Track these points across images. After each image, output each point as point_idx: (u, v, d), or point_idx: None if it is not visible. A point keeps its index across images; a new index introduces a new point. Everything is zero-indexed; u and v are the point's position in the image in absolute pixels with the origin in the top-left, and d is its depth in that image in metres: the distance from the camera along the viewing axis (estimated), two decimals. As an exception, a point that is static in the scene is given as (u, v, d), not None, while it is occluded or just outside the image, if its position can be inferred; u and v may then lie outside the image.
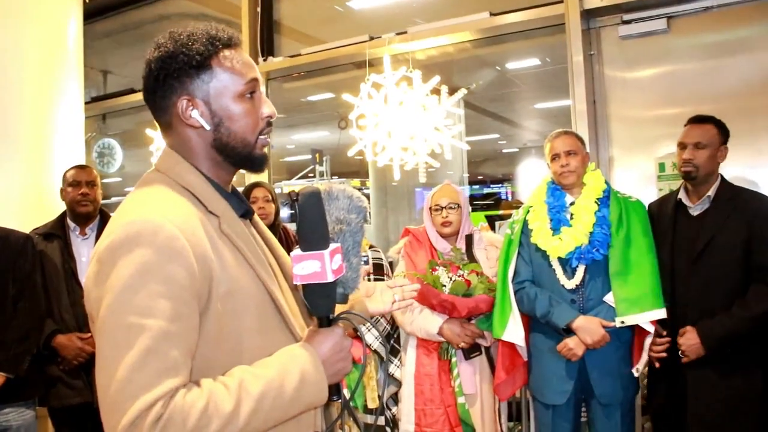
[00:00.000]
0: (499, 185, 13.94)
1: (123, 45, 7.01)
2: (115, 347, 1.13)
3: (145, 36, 6.95)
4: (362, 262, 1.45)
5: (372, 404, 3.20)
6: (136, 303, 1.13)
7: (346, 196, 1.41)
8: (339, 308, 1.42)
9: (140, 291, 1.14)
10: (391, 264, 3.45)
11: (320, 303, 1.32)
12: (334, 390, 1.34)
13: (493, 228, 5.37)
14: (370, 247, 3.43)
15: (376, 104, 4.25)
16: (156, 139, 5.49)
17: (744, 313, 2.65)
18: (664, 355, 2.75)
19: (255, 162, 1.40)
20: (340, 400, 1.36)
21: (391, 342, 3.30)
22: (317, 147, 8.65)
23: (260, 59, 5.61)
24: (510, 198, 12.43)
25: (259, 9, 5.71)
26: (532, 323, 2.94)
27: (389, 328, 3.26)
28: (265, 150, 1.42)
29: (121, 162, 6.89)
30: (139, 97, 5.78)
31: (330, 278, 1.27)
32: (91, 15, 6.05)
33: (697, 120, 2.89)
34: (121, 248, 1.17)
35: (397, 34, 4.84)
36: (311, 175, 8.60)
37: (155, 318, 1.13)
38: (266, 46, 5.70)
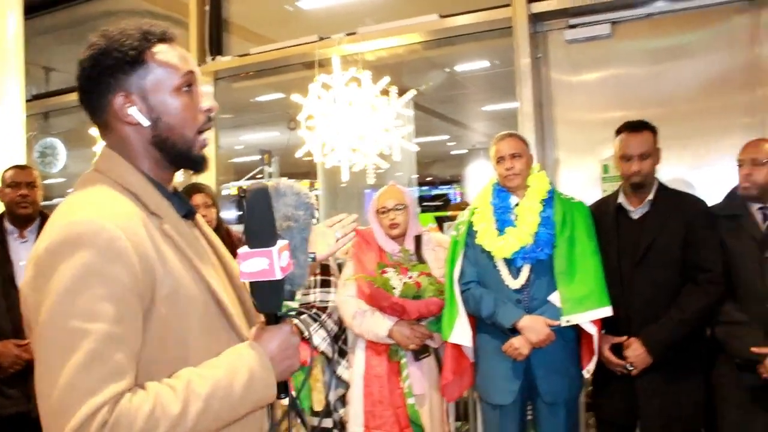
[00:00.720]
0: (448, 186, 14.05)
1: (67, 41, 6.83)
2: (57, 353, 1.09)
3: (91, 32, 6.78)
4: (309, 259, 1.44)
5: (318, 407, 3.18)
6: (78, 306, 1.10)
7: (294, 193, 1.40)
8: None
9: (82, 294, 1.11)
10: (339, 265, 3.44)
11: (268, 300, 1.31)
12: (282, 388, 1.33)
13: (441, 229, 5.40)
14: (318, 248, 3.41)
15: (326, 105, 4.24)
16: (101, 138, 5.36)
17: (681, 315, 2.74)
18: (621, 370, 2.81)
19: (194, 161, 1.38)
20: (286, 399, 1.36)
21: (339, 343, 3.28)
22: (266, 148, 8.57)
23: (208, 58, 5.55)
24: (459, 199, 12.53)
25: (207, 7, 5.64)
26: (478, 324, 2.96)
27: (337, 329, 3.25)
28: (205, 151, 1.39)
29: (64, 162, 6.71)
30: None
31: (278, 275, 1.26)
32: (32, 10, 5.89)
33: (634, 128, 2.92)
34: (60, 251, 1.14)
35: (347, 34, 4.83)
36: (259, 176, 8.53)
37: (98, 321, 1.10)
38: (214, 45, 5.64)
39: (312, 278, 3.26)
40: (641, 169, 2.85)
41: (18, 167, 3.50)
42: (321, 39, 4.90)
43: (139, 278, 1.17)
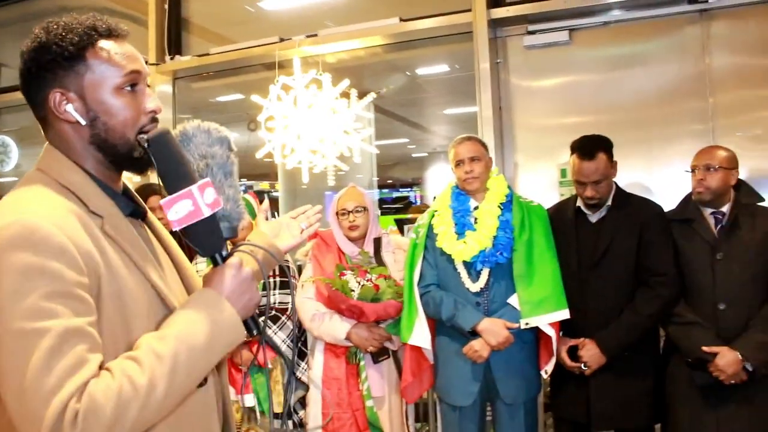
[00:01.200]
0: (409, 189, 14.07)
1: (19, 37, 6.67)
2: (15, 359, 1.07)
3: (44, 29, 6.65)
4: (240, 191, 1.41)
5: (278, 408, 3.17)
6: (26, 308, 1.07)
7: (203, 131, 1.37)
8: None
9: (28, 295, 1.08)
10: (299, 267, 3.43)
11: (206, 242, 1.29)
12: (252, 324, 1.33)
13: (402, 231, 5.42)
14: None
15: (286, 106, 4.22)
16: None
17: (633, 318, 2.81)
18: (577, 370, 2.86)
19: (136, 162, 1.32)
20: (258, 334, 1.36)
21: (299, 345, 3.27)
22: (226, 148, 8.50)
23: (167, 57, 5.47)
24: (419, 202, 12.57)
25: (166, 6, 5.57)
26: (437, 326, 2.98)
27: (297, 331, 3.24)
28: (140, 137, 1.31)
29: (16, 160, 6.56)
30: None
31: (206, 212, 1.23)
32: (-16, 5, 5.76)
33: (587, 153, 2.89)
34: None
35: (308, 36, 4.82)
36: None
37: (50, 318, 1.07)
38: (174, 44, 5.56)
39: (271, 280, 3.24)
40: (595, 194, 2.89)
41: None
42: (282, 40, 4.88)
43: (84, 273, 1.14)
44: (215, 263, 1.32)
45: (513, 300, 2.83)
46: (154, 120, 1.33)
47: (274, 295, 3.23)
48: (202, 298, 1.27)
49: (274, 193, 7.02)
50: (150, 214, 1.47)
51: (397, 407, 3.12)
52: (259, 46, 4.99)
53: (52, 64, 1.25)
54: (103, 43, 1.28)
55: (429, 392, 3.43)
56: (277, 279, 3.26)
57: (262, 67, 5.26)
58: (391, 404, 3.10)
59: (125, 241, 1.27)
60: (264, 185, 8.86)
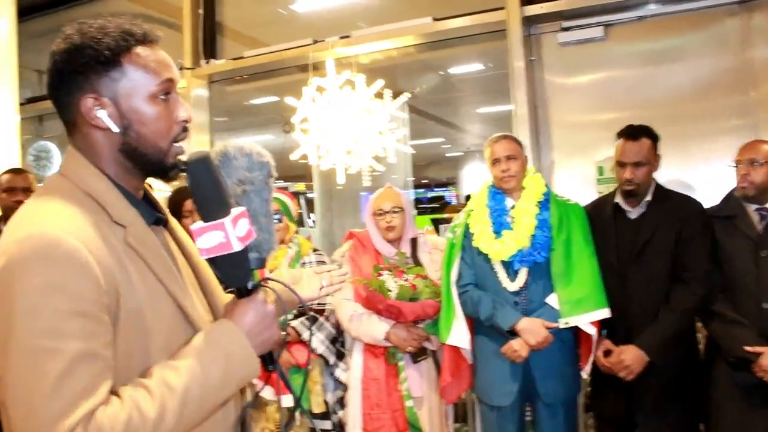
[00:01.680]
0: (444, 188, 14.06)
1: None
2: (26, 376, 1.04)
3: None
4: (275, 221, 1.37)
5: (317, 409, 3.18)
6: (42, 325, 1.04)
7: (245, 154, 1.31)
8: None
9: (45, 312, 1.05)
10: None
11: (233, 274, 1.25)
12: (268, 360, 1.30)
13: (438, 231, 5.41)
14: (314, 250, 3.41)
15: (320, 108, 4.24)
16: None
17: (669, 316, 2.76)
18: (624, 376, 2.79)
19: (167, 171, 1.29)
20: (273, 369, 1.32)
21: (337, 345, 3.28)
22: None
23: (202, 61, 5.54)
24: (455, 201, 12.54)
25: (201, 10, 5.63)
26: (476, 326, 2.96)
27: (335, 332, 3.25)
28: (180, 158, 1.30)
29: (58, 165, 6.70)
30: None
31: (237, 247, 1.18)
32: (25, 13, 5.87)
33: (631, 135, 2.90)
34: (17, 268, 1.07)
35: (341, 37, 4.84)
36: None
37: (65, 338, 1.05)
38: (208, 49, 5.63)
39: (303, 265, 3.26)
40: (634, 178, 2.85)
41: (14, 171, 3.50)
42: (315, 42, 4.90)
43: (103, 290, 1.11)
44: (239, 295, 1.27)
45: (551, 299, 2.80)
46: (185, 129, 1.31)
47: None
48: (221, 330, 1.23)
49: (310, 195, 7.06)
50: (172, 220, 1.45)
51: (437, 407, 3.11)
52: (292, 48, 5.02)
53: (85, 68, 1.21)
54: (139, 49, 1.24)
55: (468, 392, 3.41)
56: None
57: (295, 69, 5.30)
58: (431, 404, 3.09)
59: (148, 252, 1.24)
60: (300, 186, 8.91)
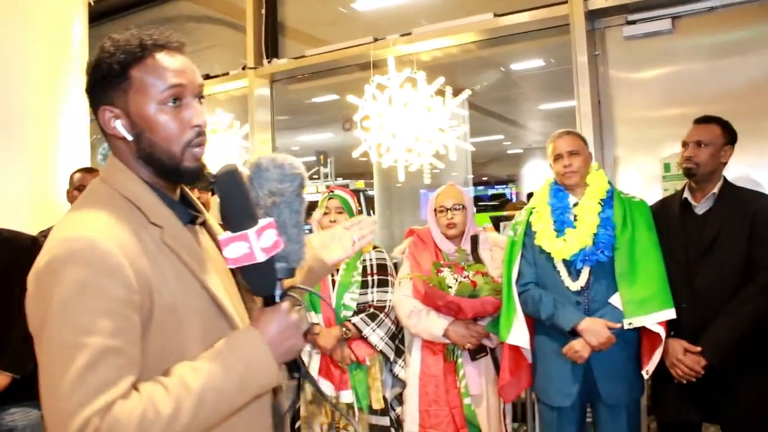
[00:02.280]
0: (504, 186, 13.95)
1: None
2: (54, 367, 1.13)
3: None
4: (305, 231, 1.37)
5: (377, 405, 3.19)
6: (73, 321, 1.13)
7: (276, 166, 1.32)
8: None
9: (78, 309, 1.14)
10: (395, 265, 3.45)
11: (259, 283, 1.29)
12: (293, 367, 1.33)
13: (498, 229, 5.37)
14: (374, 247, 3.42)
15: (381, 105, 4.25)
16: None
17: (735, 316, 2.67)
18: (692, 377, 2.72)
19: (185, 175, 1.34)
20: (299, 377, 1.36)
21: (396, 342, 3.29)
22: (321, 148, 8.64)
23: (265, 61, 5.62)
24: (515, 199, 12.44)
25: (263, 11, 5.71)
26: (536, 325, 2.93)
27: (394, 329, 3.26)
28: (200, 162, 1.35)
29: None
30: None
31: (260, 258, 1.23)
32: (96, 18, 6.06)
33: (702, 120, 2.90)
34: (57, 268, 1.16)
35: (402, 35, 4.83)
36: (315, 176, 8.61)
37: (93, 335, 1.12)
38: (271, 48, 5.71)
39: (369, 278, 3.28)
40: (693, 156, 2.82)
41: (85, 170, 3.61)
42: (375, 40, 4.91)
43: (135, 291, 1.18)
44: (266, 303, 1.31)
45: (615, 299, 2.74)
46: (200, 134, 1.33)
47: (372, 292, 3.26)
48: (244, 337, 1.27)
49: (370, 192, 7.10)
50: (210, 219, 1.50)
51: (495, 406, 3.09)
52: (353, 46, 5.04)
53: (102, 82, 1.29)
54: (149, 59, 1.29)
55: (527, 392, 3.38)
56: (376, 277, 3.29)
57: (356, 67, 5.32)
58: (489, 402, 3.07)
59: (184, 251, 1.30)
60: (359, 184, 8.98)
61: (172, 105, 1.30)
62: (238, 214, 1.24)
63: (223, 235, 1.25)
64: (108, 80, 1.29)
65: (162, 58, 1.30)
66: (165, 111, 1.29)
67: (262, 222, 1.24)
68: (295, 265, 1.33)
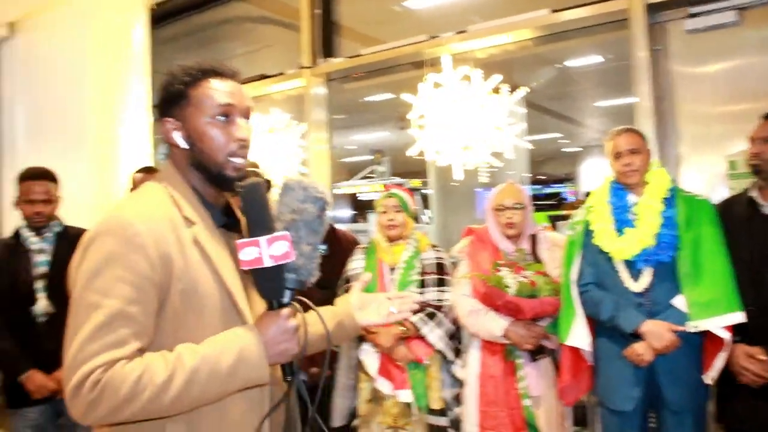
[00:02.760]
0: (561, 185, 13.77)
1: (187, 49, 7.16)
2: (76, 321, 1.33)
3: (209, 39, 7.08)
4: (319, 251, 1.50)
5: (435, 405, 3.18)
6: (97, 284, 1.34)
7: (302, 188, 1.48)
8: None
9: (103, 274, 1.34)
10: (454, 263, 3.43)
11: (266, 287, 1.43)
12: (288, 370, 1.46)
13: (555, 228, 5.30)
14: (433, 246, 3.42)
15: (437, 104, 4.24)
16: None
17: None
18: (760, 383, 2.63)
19: (225, 182, 1.54)
20: (291, 379, 1.47)
21: (455, 342, 3.27)
22: (377, 147, 8.67)
23: (320, 60, 5.65)
24: (573, 198, 12.27)
25: (318, 10, 5.75)
26: (597, 327, 2.87)
27: (453, 328, 3.24)
28: (240, 172, 1.54)
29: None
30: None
31: (267, 263, 1.38)
32: (157, 21, 6.20)
33: None
34: (95, 237, 1.39)
35: (457, 33, 4.80)
36: (371, 175, 8.63)
37: (111, 298, 1.32)
38: (326, 47, 5.74)
39: (428, 277, 3.27)
40: (760, 153, 2.74)
41: (146, 169, 3.69)
42: (430, 38, 4.90)
43: (157, 271, 1.37)
44: (270, 307, 1.45)
45: (678, 301, 2.67)
46: (243, 147, 1.54)
47: (431, 292, 3.25)
48: (243, 333, 1.41)
49: (426, 191, 7.08)
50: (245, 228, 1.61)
51: (555, 408, 3.05)
52: (408, 45, 5.03)
53: (169, 99, 1.54)
54: (205, 82, 1.52)
55: (588, 395, 3.31)
56: (434, 276, 3.28)
57: (411, 65, 5.31)
58: (549, 404, 3.04)
59: (209, 247, 1.48)
60: (415, 183, 8.96)
61: (221, 120, 1.52)
62: (256, 223, 1.41)
63: (240, 240, 1.41)
64: (173, 98, 1.52)
65: (216, 82, 1.53)
66: (214, 125, 1.51)
67: (278, 233, 1.40)
68: (304, 278, 1.47)
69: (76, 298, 1.36)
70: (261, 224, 1.41)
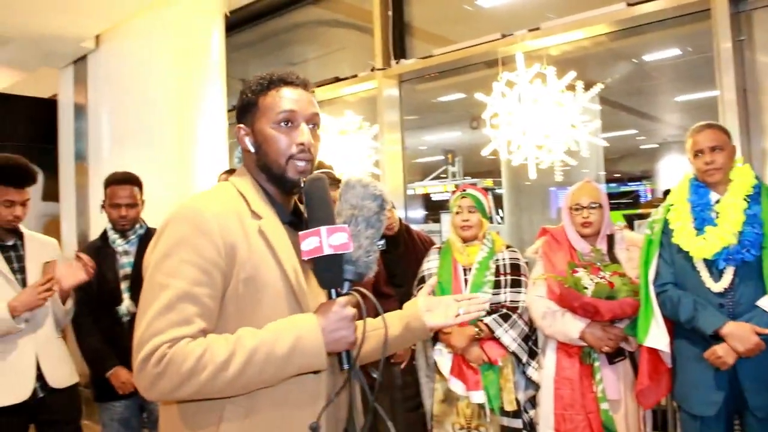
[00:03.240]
0: (638, 183, 13.40)
1: (261, 54, 7.32)
2: (146, 300, 1.43)
3: (282, 44, 7.22)
4: (377, 246, 1.56)
5: (509, 407, 3.15)
6: (167, 266, 1.43)
7: (362, 185, 1.57)
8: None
9: (172, 257, 1.44)
10: (527, 264, 3.40)
11: (325, 276, 1.49)
12: (345, 359, 1.48)
13: (631, 227, 5.18)
14: (507, 247, 3.39)
15: (510, 102, 4.21)
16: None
17: None
18: None
19: (287, 183, 1.62)
20: (349, 368, 1.49)
21: (530, 344, 3.24)
22: (449, 147, 8.66)
23: (393, 62, 5.69)
24: (650, 196, 11.95)
25: (390, 12, 5.79)
26: (676, 328, 2.79)
27: (527, 330, 3.21)
28: (300, 176, 1.60)
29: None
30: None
31: (326, 251, 1.44)
32: (232, 27, 6.36)
33: None
34: (168, 223, 1.49)
35: (530, 30, 4.76)
36: (443, 175, 8.62)
37: (179, 278, 1.41)
38: (398, 49, 5.77)
39: (503, 278, 3.25)
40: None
41: (231, 171, 3.79)
42: (503, 36, 4.86)
43: (222, 257, 1.46)
44: (329, 296, 1.51)
45: (764, 302, 2.57)
46: (303, 151, 1.60)
47: (505, 293, 3.23)
48: (302, 320, 1.47)
49: (498, 191, 7.03)
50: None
51: (634, 412, 2.99)
52: (480, 44, 5.01)
53: (242, 107, 1.66)
54: (273, 91, 1.61)
55: (668, 398, 3.23)
56: (509, 277, 3.25)
57: (483, 64, 5.29)
58: (628, 408, 2.97)
59: (274, 239, 1.55)
60: (487, 182, 8.90)
61: (284, 126, 1.60)
62: (318, 216, 1.49)
63: (302, 231, 1.49)
64: (245, 106, 1.64)
65: (284, 90, 1.62)
66: (278, 130, 1.60)
67: (337, 225, 1.48)
68: (362, 271, 1.53)
69: (148, 279, 1.46)
70: (321, 216, 1.48)
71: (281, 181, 1.62)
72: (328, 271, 1.48)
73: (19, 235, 3.10)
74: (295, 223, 1.67)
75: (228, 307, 1.48)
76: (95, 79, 5.22)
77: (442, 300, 1.80)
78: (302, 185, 1.55)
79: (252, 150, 1.63)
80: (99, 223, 4.19)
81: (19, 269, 3.05)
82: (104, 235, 3.48)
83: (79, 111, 5.39)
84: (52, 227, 5.79)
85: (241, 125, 1.65)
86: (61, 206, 5.72)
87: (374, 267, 1.55)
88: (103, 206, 3.47)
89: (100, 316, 3.33)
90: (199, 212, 1.48)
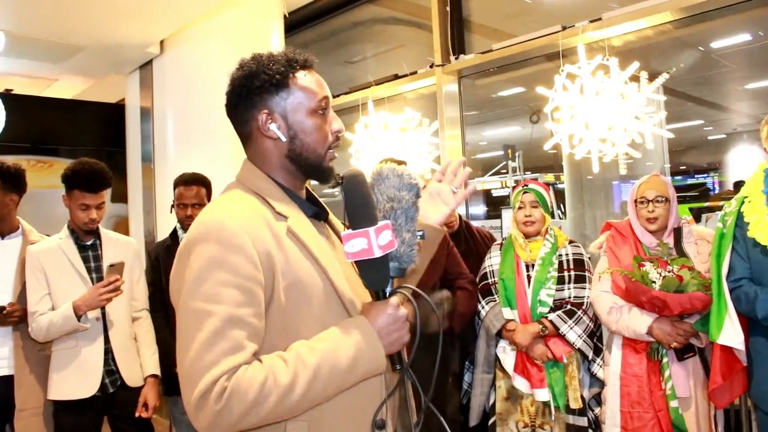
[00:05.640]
0: (704, 175, 13.05)
1: (320, 53, 7.38)
2: (187, 330, 1.31)
3: (341, 43, 7.27)
4: (417, 237, 1.49)
5: (574, 404, 3.10)
6: (204, 291, 1.31)
7: (396, 175, 1.49)
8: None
9: (207, 280, 1.32)
10: (590, 260, 3.34)
11: (373, 277, 1.42)
12: (396, 359, 1.44)
13: (698, 220, 5.04)
14: (570, 242, 3.34)
15: (572, 96, 4.14)
16: (354, 142, 5.72)
17: None
18: None
19: (324, 173, 1.55)
20: (401, 369, 1.45)
21: (595, 340, 3.18)
22: (509, 142, 8.58)
23: (452, 57, 5.66)
24: (718, 188, 11.62)
25: (448, 8, 5.77)
26: (751, 325, 2.69)
27: (592, 326, 3.15)
28: (332, 163, 1.55)
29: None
30: (337, 101, 6.04)
31: (377, 254, 1.37)
32: (291, 27, 6.43)
33: None
34: (192, 245, 1.37)
35: (591, 21, 4.66)
36: (504, 170, 8.56)
37: (221, 304, 1.30)
38: (457, 44, 5.74)
39: (566, 273, 3.20)
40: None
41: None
42: (564, 28, 4.78)
43: (259, 269, 1.35)
44: (377, 297, 1.44)
45: None
46: (338, 138, 1.56)
47: (569, 289, 3.18)
48: (356, 325, 1.40)
49: (559, 185, 6.94)
50: (331, 216, 1.68)
51: (705, 411, 2.90)
52: (541, 37, 4.94)
53: (260, 89, 1.49)
54: (301, 73, 1.52)
55: (742, 398, 3.13)
56: (572, 272, 3.21)
57: (543, 58, 5.22)
58: (699, 407, 2.89)
59: (306, 238, 1.47)
60: (548, 177, 8.80)
61: (320, 113, 1.52)
62: (361, 214, 1.40)
63: (345, 231, 1.41)
64: (266, 88, 1.49)
65: (309, 73, 1.54)
66: (316, 117, 1.52)
67: (382, 223, 1.40)
68: (405, 266, 1.46)
69: (183, 307, 1.34)
70: (366, 215, 1.39)
71: (318, 171, 1.54)
72: (376, 272, 1.41)
73: (98, 236, 3.20)
74: (317, 213, 1.60)
75: (273, 318, 1.38)
76: (161, 83, 5.36)
77: (429, 192, 1.72)
78: (338, 181, 1.45)
79: (284, 139, 1.50)
80: (165, 222, 4.30)
81: (95, 268, 3.15)
82: (174, 234, 3.58)
83: (145, 114, 5.54)
84: (121, 228, 5.96)
85: (264, 111, 1.49)
86: (129, 207, 5.89)
87: (416, 260, 1.49)
88: (173, 206, 3.57)
89: (171, 312, 3.42)
90: (223, 225, 1.35)
